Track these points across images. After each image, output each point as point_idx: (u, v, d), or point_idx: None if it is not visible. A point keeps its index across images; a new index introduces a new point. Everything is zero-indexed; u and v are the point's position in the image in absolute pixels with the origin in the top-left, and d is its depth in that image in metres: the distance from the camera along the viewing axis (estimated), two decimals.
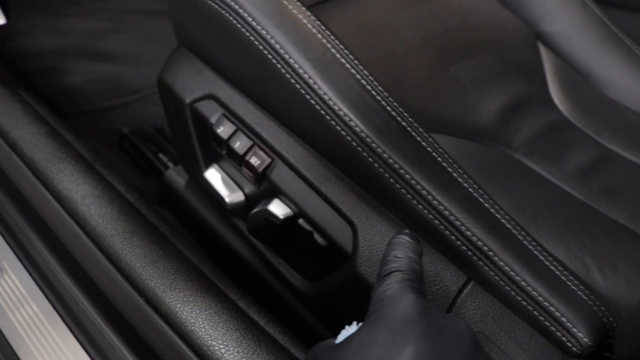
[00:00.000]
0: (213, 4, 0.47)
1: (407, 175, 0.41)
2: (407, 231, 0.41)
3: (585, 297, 0.40)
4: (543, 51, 0.79)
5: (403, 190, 0.42)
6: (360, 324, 0.36)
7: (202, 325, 0.43)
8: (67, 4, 1.11)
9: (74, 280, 0.51)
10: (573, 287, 0.40)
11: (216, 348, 0.42)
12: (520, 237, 0.42)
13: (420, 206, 0.41)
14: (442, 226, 0.41)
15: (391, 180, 0.42)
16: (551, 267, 0.41)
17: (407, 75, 0.58)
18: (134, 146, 0.78)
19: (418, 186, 0.41)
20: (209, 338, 0.43)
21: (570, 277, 0.41)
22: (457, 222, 0.41)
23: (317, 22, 0.45)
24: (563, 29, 0.80)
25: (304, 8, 0.46)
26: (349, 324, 0.37)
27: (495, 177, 0.55)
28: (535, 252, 0.42)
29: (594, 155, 0.64)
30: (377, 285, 0.36)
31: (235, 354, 0.41)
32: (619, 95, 0.76)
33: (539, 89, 0.71)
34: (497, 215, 0.43)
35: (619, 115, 0.73)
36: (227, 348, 0.42)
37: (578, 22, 0.81)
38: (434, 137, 0.45)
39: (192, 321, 0.44)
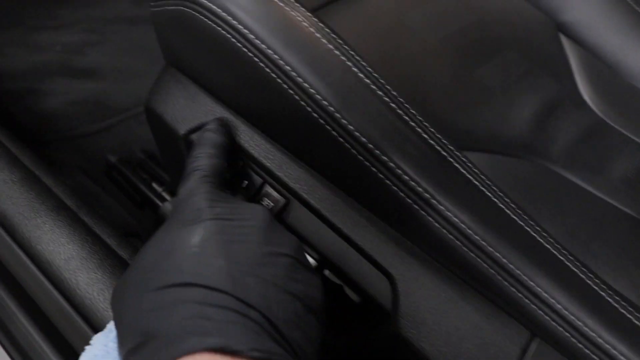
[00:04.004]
0: (204, 19, 0.39)
1: (454, 218, 0.34)
2: (216, 121, 0.41)
3: None
4: (566, 43, 0.72)
5: (451, 236, 0.35)
6: None
7: None
8: (42, 16, 1.02)
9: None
10: None
11: None
12: (588, 281, 0.36)
13: (472, 254, 0.34)
14: (499, 277, 0.34)
15: (436, 225, 0.35)
16: (628, 316, 0.35)
17: (429, 83, 0.51)
18: (123, 176, 0.70)
19: (469, 230, 0.34)
20: None
21: None
22: (517, 272, 0.34)
23: (332, 34, 0.38)
24: (586, 18, 0.74)
25: (315, 19, 0.38)
26: None
27: (541, 198, 0.48)
28: (608, 298, 0.35)
29: (638, 161, 0.58)
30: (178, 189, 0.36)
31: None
32: None
33: (568, 88, 0.64)
34: (560, 257, 0.36)
35: None
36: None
37: (601, 8, 0.74)
38: (468, 157, 0.38)
39: None
